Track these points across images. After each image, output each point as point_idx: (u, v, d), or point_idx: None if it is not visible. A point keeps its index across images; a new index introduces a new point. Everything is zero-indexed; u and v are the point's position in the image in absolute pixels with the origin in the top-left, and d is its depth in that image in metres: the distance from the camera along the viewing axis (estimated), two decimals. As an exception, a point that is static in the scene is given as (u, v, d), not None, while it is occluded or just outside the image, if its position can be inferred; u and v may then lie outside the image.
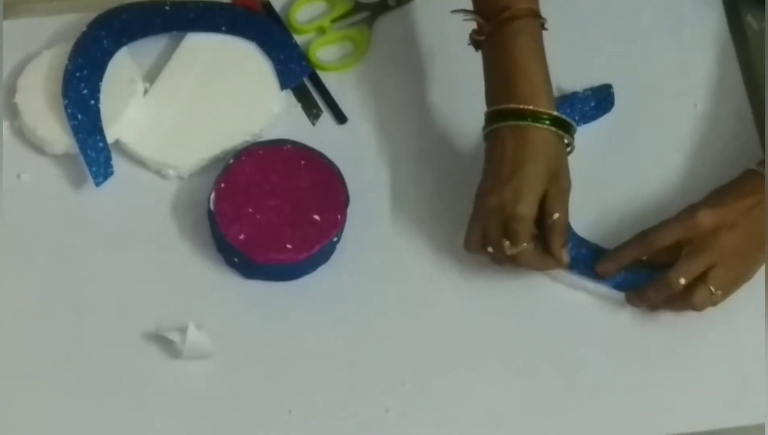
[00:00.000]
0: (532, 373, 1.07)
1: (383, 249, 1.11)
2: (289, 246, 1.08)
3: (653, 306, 1.07)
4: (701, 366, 1.08)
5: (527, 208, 1.03)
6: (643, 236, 1.07)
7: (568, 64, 1.17)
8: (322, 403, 1.05)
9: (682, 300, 1.05)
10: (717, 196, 1.06)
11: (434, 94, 1.18)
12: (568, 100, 1.15)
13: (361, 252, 1.11)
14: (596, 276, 1.08)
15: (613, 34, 1.22)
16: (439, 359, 1.07)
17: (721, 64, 1.20)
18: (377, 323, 1.08)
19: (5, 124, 1.15)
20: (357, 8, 1.23)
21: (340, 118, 1.18)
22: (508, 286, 1.10)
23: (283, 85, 1.18)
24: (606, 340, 1.08)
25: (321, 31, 1.22)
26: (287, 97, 1.18)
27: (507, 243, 1.04)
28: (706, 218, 1.04)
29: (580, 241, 1.10)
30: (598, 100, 1.16)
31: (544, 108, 1.03)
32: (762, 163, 1.07)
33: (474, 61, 1.07)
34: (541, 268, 1.07)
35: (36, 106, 1.15)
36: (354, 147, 1.16)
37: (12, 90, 1.15)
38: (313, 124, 1.18)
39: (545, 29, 1.07)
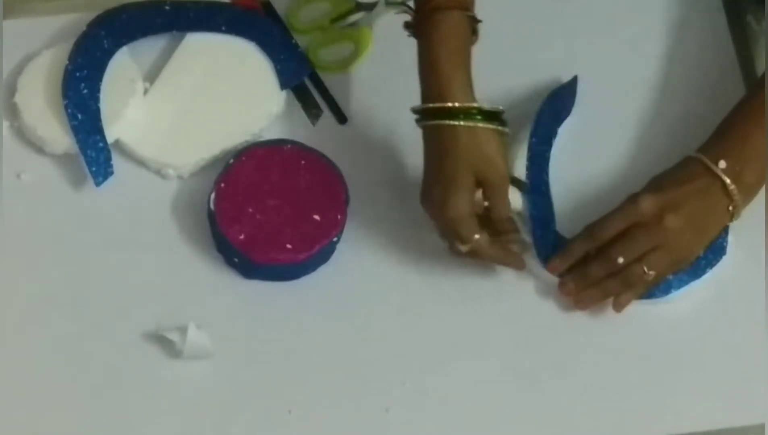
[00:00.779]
0: (531, 373, 1.07)
1: (383, 249, 1.11)
2: (289, 246, 1.08)
3: (583, 298, 1.08)
4: (701, 366, 1.08)
5: (455, 209, 1.03)
6: (588, 230, 1.07)
7: (567, 64, 1.17)
8: (322, 403, 1.05)
9: (616, 276, 1.06)
10: (657, 183, 1.07)
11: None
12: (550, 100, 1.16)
13: (361, 252, 1.11)
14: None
15: (613, 34, 1.22)
16: (439, 359, 1.07)
17: (721, 64, 1.20)
18: (377, 323, 1.08)
19: (5, 124, 1.15)
20: (357, 8, 1.23)
21: (340, 118, 1.18)
22: (508, 286, 1.10)
23: (283, 85, 1.18)
24: (606, 340, 1.08)
25: (321, 31, 1.22)
26: (287, 97, 1.18)
27: (459, 245, 1.05)
28: (649, 204, 1.05)
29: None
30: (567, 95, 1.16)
31: (471, 101, 1.03)
32: (701, 149, 1.07)
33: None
34: (508, 261, 1.08)
35: (36, 106, 1.15)
36: (354, 147, 1.16)
37: (12, 90, 1.15)
38: (313, 124, 1.18)
39: (478, 21, 1.07)
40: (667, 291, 1.08)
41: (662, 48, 1.21)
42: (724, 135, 1.07)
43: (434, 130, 1.05)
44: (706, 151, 1.07)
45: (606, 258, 1.06)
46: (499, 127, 1.05)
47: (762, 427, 1.04)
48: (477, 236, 1.04)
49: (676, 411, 1.06)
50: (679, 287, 1.08)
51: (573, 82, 1.17)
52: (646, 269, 1.05)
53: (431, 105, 1.04)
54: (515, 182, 1.09)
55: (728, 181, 1.04)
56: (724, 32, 1.22)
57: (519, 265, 1.09)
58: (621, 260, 1.05)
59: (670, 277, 1.08)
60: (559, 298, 1.09)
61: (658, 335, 1.09)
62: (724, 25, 1.23)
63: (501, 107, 1.05)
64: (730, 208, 1.06)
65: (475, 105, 1.04)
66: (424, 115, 1.06)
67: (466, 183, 1.03)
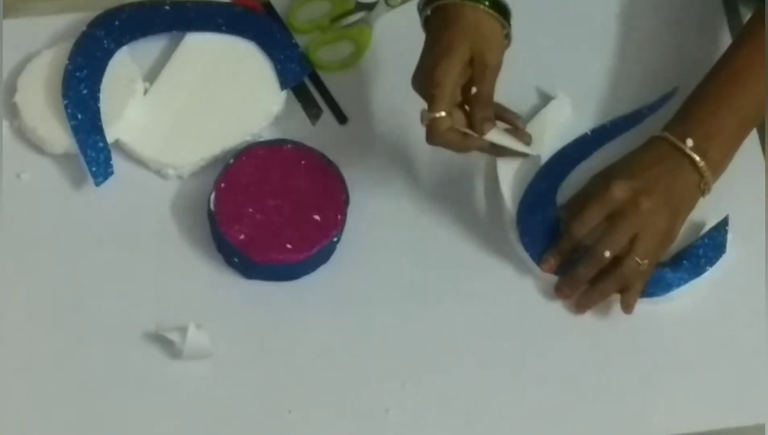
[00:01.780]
0: (531, 373, 1.07)
1: (383, 249, 1.11)
2: (289, 246, 1.08)
3: (582, 301, 1.08)
4: (701, 366, 1.08)
5: (441, 74, 1.03)
6: (568, 229, 1.07)
7: (567, 64, 1.17)
8: (322, 403, 1.05)
9: (611, 275, 1.06)
10: (626, 168, 1.07)
11: (434, 94, 1.18)
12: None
13: (361, 252, 1.11)
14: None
15: (612, 33, 1.22)
16: (439, 359, 1.07)
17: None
18: (377, 323, 1.08)
19: (5, 124, 1.15)
20: (357, 8, 1.23)
21: (340, 118, 1.18)
22: (508, 286, 1.10)
23: (283, 85, 1.18)
24: (606, 340, 1.08)
25: (321, 30, 1.22)
26: (287, 97, 1.18)
27: (423, 111, 1.04)
28: (622, 190, 1.05)
29: None
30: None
31: None
32: (667, 128, 1.08)
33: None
34: (461, 146, 1.07)
35: (36, 106, 1.15)
36: (354, 147, 1.15)
37: (12, 90, 1.15)
38: (313, 124, 1.18)
39: None
40: (667, 289, 1.08)
41: (662, 47, 1.21)
42: (689, 113, 1.08)
43: (438, 11, 1.06)
44: (673, 130, 1.07)
45: (592, 255, 1.06)
46: (504, 22, 1.06)
47: (762, 427, 1.04)
48: (443, 114, 1.03)
49: (676, 411, 1.06)
50: (679, 285, 1.08)
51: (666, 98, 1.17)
52: (638, 260, 1.05)
53: None
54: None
55: (697, 158, 1.05)
56: (724, 32, 1.22)
57: (481, 147, 1.08)
58: (608, 254, 1.05)
59: (669, 274, 1.08)
60: (560, 300, 1.09)
61: (658, 335, 1.09)
62: (724, 24, 1.23)
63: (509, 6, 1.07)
64: (701, 184, 1.06)
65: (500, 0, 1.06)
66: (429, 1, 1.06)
67: (461, 53, 1.03)
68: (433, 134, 1.04)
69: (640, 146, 1.09)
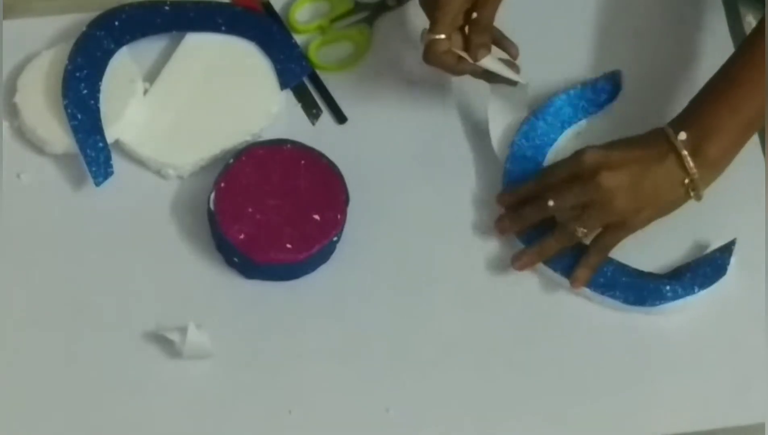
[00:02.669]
0: (531, 373, 1.07)
1: (383, 249, 1.11)
2: (289, 246, 1.08)
3: (519, 255, 1.09)
4: (701, 366, 1.08)
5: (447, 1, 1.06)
6: (539, 173, 1.10)
7: (566, 64, 1.17)
8: (322, 403, 1.05)
9: (550, 234, 1.08)
10: (612, 143, 1.08)
11: (434, 94, 1.18)
12: (588, 87, 1.16)
13: (361, 252, 1.11)
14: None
15: (612, 34, 1.22)
16: (439, 359, 1.07)
17: (721, 64, 1.20)
18: (377, 323, 1.08)
19: (5, 124, 1.15)
20: (357, 8, 1.23)
21: (340, 118, 1.18)
22: (508, 286, 1.10)
23: (283, 85, 1.18)
24: (606, 340, 1.08)
25: (321, 31, 1.22)
26: (287, 97, 1.18)
27: (424, 30, 1.08)
28: (591, 156, 1.06)
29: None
30: (611, 87, 1.17)
31: None
32: (670, 121, 1.07)
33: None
34: (455, 69, 1.09)
35: (36, 106, 1.14)
36: (354, 147, 1.15)
37: (12, 90, 1.15)
38: (313, 124, 1.18)
39: None
40: (660, 301, 1.08)
41: (662, 48, 1.21)
42: (692, 109, 1.08)
43: None
44: (673, 123, 1.07)
45: (539, 200, 1.07)
46: None
47: (762, 427, 1.04)
48: (443, 36, 1.07)
49: (676, 411, 1.06)
50: (673, 300, 1.08)
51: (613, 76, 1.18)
52: (578, 228, 1.06)
53: None
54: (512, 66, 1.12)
55: (684, 152, 1.04)
56: (724, 32, 1.22)
57: (473, 72, 1.11)
58: (551, 203, 1.06)
59: (666, 287, 1.08)
60: (559, 298, 1.10)
61: (658, 335, 1.09)
62: (724, 25, 1.23)
63: None
64: (686, 181, 1.05)
65: None
66: None
67: None
68: (430, 54, 1.08)
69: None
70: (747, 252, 1.11)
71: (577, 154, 1.07)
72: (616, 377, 1.07)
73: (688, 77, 1.19)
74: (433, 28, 1.07)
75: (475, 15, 1.09)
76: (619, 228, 1.07)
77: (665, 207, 1.07)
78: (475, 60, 1.09)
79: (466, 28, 1.10)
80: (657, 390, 1.06)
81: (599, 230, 1.07)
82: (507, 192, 1.11)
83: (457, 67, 1.10)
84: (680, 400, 1.06)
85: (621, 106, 1.18)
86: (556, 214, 1.08)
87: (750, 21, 1.23)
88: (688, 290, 1.08)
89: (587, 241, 1.08)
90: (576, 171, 1.06)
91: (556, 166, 1.09)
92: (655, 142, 1.06)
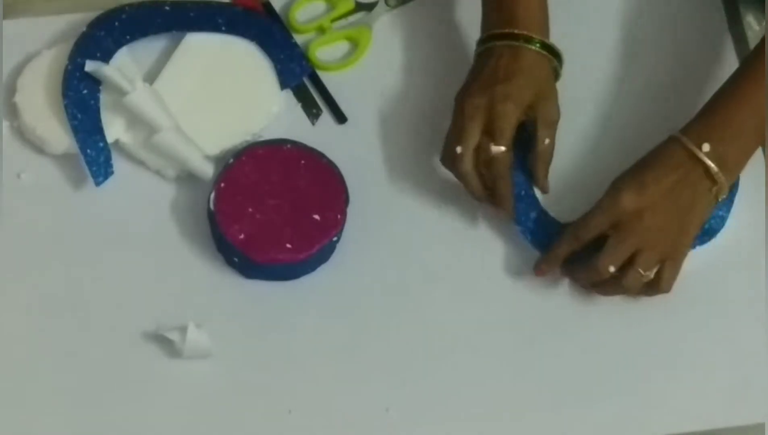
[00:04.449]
0: (531, 372, 1.07)
1: (383, 249, 1.11)
2: (289, 246, 1.08)
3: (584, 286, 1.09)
4: (701, 366, 1.08)
5: (512, 109, 1.06)
6: (572, 232, 1.07)
7: (566, 65, 1.17)
8: (322, 403, 1.05)
9: (614, 285, 1.06)
10: (639, 176, 1.06)
11: (434, 94, 1.18)
12: None
13: (361, 252, 1.11)
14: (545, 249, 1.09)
15: (612, 34, 1.22)
16: (439, 359, 1.07)
17: (721, 64, 1.20)
18: (377, 323, 1.08)
19: (5, 124, 1.15)
20: (357, 8, 1.23)
21: (340, 118, 1.18)
22: (508, 286, 1.10)
23: (283, 85, 1.18)
24: (606, 340, 1.08)
25: (321, 30, 1.22)
26: (287, 97, 1.18)
27: (491, 144, 1.06)
28: (629, 201, 1.04)
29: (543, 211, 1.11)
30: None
31: (537, 35, 1.08)
32: (684, 130, 1.06)
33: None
34: (501, 197, 1.07)
35: (36, 106, 1.14)
36: (354, 147, 1.15)
37: (12, 90, 1.15)
38: (313, 124, 1.18)
39: None
40: None
41: (662, 48, 1.21)
42: (708, 116, 1.07)
43: (511, 49, 1.08)
44: (690, 132, 1.06)
45: (594, 270, 1.05)
46: (560, 69, 1.11)
47: (762, 427, 1.04)
48: (504, 148, 1.06)
49: (676, 411, 1.06)
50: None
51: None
52: (642, 271, 1.05)
53: (517, 31, 1.08)
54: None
55: (712, 165, 1.04)
56: (724, 32, 1.22)
57: (509, 213, 1.09)
58: (612, 269, 1.05)
59: None
60: (559, 298, 1.10)
61: (658, 335, 1.09)
62: (724, 25, 1.23)
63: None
64: (714, 188, 1.05)
65: (551, 42, 1.10)
66: (500, 38, 1.09)
67: (527, 100, 1.07)
68: (493, 167, 1.07)
69: (655, 149, 1.07)
70: (747, 251, 1.11)
71: (613, 201, 1.05)
72: (616, 377, 1.07)
73: (688, 77, 1.19)
74: (499, 139, 1.06)
75: (547, 141, 1.09)
76: (675, 258, 1.06)
77: (703, 217, 1.07)
78: (545, 191, 1.11)
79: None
80: (657, 390, 1.06)
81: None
82: (543, 262, 1.08)
83: (505, 205, 1.09)
84: (680, 400, 1.06)
85: (620, 107, 1.18)
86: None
87: (750, 21, 1.23)
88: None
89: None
90: (616, 220, 1.05)
91: (591, 218, 1.06)
92: (679, 159, 1.05)
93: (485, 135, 1.07)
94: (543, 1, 1.11)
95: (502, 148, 1.06)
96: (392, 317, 1.09)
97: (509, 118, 1.06)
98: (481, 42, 1.10)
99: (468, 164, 1.07)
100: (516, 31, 1.08)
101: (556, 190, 1.12)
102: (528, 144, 1.10)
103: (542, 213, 1.11)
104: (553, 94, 1.10)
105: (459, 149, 1.06)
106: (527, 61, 1.07)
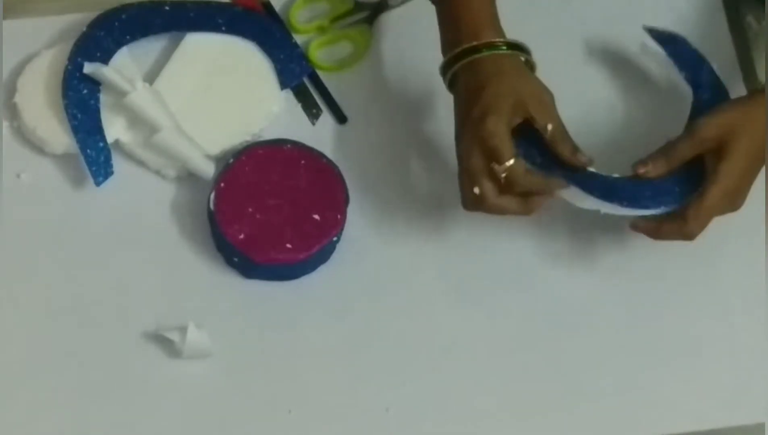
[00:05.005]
0: (531, 372, 1.07)
1: (383, 249, 1.11)
2: (289, 246, 1.08)
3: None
4: (701, 366, 1.08)
5: (494, 123, 1.00)
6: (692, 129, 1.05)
7: (566, 64, 1.17)
8: (322, 403, 1.05)
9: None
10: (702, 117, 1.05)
11: (434, 94, 1.18)
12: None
13: (361, 252, 1.11)
14: (611, 197, 1.05)
15: (612, 34, 1.22)
16: (439, 359, 1.07)
17: (721, 64, 1.20)
18: (377, 323, 1.08)
19: (5, 124, 1.15)
20: (357, 8, 1.23)
21: (340, 118, 1.18)
22: (508, 285, 1.10)
23: (283, 85, 1.18)
24: (606, 339, 1.08)
25: (321, 31, 1.22)
26: (287, 97, 1.18)
27: (495, 166, 1.01)
28: (710, 129, 1.03)
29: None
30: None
31: (487, 39, 1.03)
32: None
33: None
34: (543, 188, 1.03)
35: (36, 106, 1.14)
36: (354, 147, 1.16)
37: (12, 90, 1.15)
38: (313, 124, 1.18)
39: None
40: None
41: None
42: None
43: (469, 66, 1.04)
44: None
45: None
46: (530, 57, 1.06)
47: (762, 426, 1.04)
48: (513, 161, 1.01)
49: (676, 411, 1.06)
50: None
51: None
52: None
53: (466, 46, 1.03)
54: None
55: None
56: (724, 32, 1.22)
57: (556, 188, 1.04)
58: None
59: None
60: (559, 298, 1.10)
61: (658, 335, 1.09)
62: (724, 25, 1.23)
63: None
64: None
65: (507, 40, 1.05)
66: (457, 59, 1.04)
67: (506, 104, 1.01)
68: (515, 182, 1.02)
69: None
70: (747, 252, 1.11)
71: (692, 132, 1.03)
72: (616, 377, 1.07)
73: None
74: (500, 157, 1.00)
75: (550, 127, 1.03)
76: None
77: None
78: (585, 164, 1.04)
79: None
80: (657, 390, 1.06)
81: None
82: (658, 159, 1.04)
83: (546, 185, 1.04)
84: (680, 400, 1.06)
85: (620, 107, 1.18)
86: None
87: (750, 21, 1.23)
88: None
89: None
90: (696, 148, 1.04)
91: (674, 149, 1.04)
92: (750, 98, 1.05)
93: (488, 159, 1.02)
94: (485, 4, 1.06)
95: (508, 163, 1.01)
96: (392, 317, 1.09)
97: (497, 133, 1.00)
98: (442, 72, 1.07)
99: (492, 198, 1.02)
100: (464, 47, 1.04)
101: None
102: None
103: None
104: (533, 80, 1.04)
105: (476, 190, 1.02)
106: (488, 68, 1.03)
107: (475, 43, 1.03)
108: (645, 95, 1.19)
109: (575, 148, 1.04)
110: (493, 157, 1.01)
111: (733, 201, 1.04)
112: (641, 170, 1.04)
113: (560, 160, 1.04)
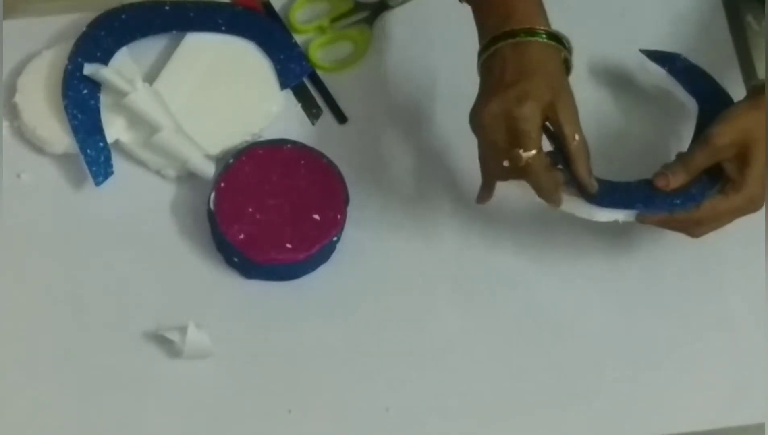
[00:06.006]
0: (531, 372, 1.07)
1: (383, 249, 1.11)
2: (289, 246, 1.08)
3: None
4: (701, 366, 1.08)
5: (533, 109, 0.97)
6: (708, 138, 1.03)
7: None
8: (322, 403, 1.05)
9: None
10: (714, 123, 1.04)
11: (434, 94, 1.18)
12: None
13: (361, 252, 1.11)
14: (616, 204, 1.04)
15: (612, 33, 1.22)
16: (439, 359, 1.07)
17: (721, 64, 1.20)
18: (377, 323, 1.08)
19: (5, 124, 1.15)
20: (357, 8, 1.23)
21: (340, 118, 1.18)
22: (508, 286, 1.10)
23: (283, 85, 1.18)
24: (605, 339, 1.08)
25: (321, 30, 1.22)
26: (287, 97, 1.18)
27: (520, 151, 0.97)
28: (723, 137, 1.02)
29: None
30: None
31: (538, 25, 1.01)
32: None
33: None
34: (553, 191, 1.01)
35: (36, 106, 1.14)
36: (354, 147, 1.16)
37: (12, 90, 1.15)
38: (313, 124, 1.18)
39: None
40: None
41: (662, 48, 1.21)
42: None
43: (517, 47, 1.00)
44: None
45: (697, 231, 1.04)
46: (570, 59, 1.03)
47: (762, 426, 1.04)
48: (536, 151, 0.98)
49: (676, 411, 1.06)
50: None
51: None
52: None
53: (518, 27, 1.00)
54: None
55: None
56: (724, 32, 1.22)
57: (558, 205, 1.02)
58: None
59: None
60: (559, 298, 1.10)
61: (658, 335, 1.09)
62: (724, 25, 1.23)
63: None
64: None
65: (556, 31, 1.02)
66: (503, 38, 1.01)
67: (545, 98, 0.98)
68: (531, 173, 0.99)
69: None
70: (747, 251, 1.11)
71: (709, 142, 1.02)
72: (616, 377, 1.07)
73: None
74: (527, 144, 0.97)
75: (577, 137, 1.00)
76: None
77: None
78: (592, 190, 1.02)
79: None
80: (657, 390, 1.06)
81: None
82: (678, 170, 1.03)
83: (558, 191, 1.01)
84: (680, 400, 1.06)
85: (620, 107, 1.18)
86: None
87: (750, 21, 1.23)
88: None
89: None
90: (714, 157, 1.02)
91: (692, 159, 1.03)
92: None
93: (513, 141, 0.98)
94: None
95: (533, 153, 0.98)
96: (392, 317, 1.09)
97: (533, 118, 0.97)
98: (482, 52, 1.02)
99: (537, 165, 0.99)
100: (515, 27, 1.00)
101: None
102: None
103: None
104: (569, 87, 1.01)
105: (506, 162, 0.99)
106: (535, 56, 0.99)
107: (528, 26, 1.00)
108: (646, 108, 1.19)
109: (590, 171, 1.02)
110: (519, 141, 0.98)
111: (758, 204, 1.03)
112: (661, 183, 1.03)
113: (575, 175, 1.02)
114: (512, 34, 1.00)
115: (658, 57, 1.18)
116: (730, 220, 1.04)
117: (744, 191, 1.02)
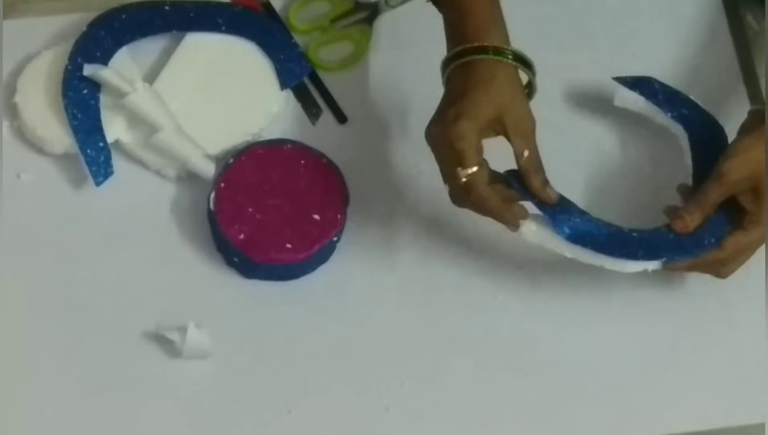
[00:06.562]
0: (531, 372, 1.07)
1: (383, 249, 1.11)
2: (289, 246, 1.08)
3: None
4: (701, 366, 1.08)
5: (467, 128, 0.98)
6: (720, 174, 1.03)
7: (565, 66, 1.17)
8: (322, 403, 1.05)
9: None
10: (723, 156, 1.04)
11: (434, 94, 1.18)
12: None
13: (361, 252, 1.11)
14: (606, 250, 1.04)
15: (612, 33, 1.22)
16: (439, 359, 1.07)
17: (721, 64, 1.20)
18: (377, 323, 1.08)
19: (5, 124, 1.15)
20: (357, 8, 1.23)
21: (340, 118, 1.18)
22: (508, 285, 1.10)
23: (283, 85, 1.18)
24: (605, 339, 1.08)
25: (321, 31, 1.22)
26: (287, 97, 1.18)
27: (459, 169, 0.99)
28: (737, 174, 1.02)
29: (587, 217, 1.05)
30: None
31: (493, 43, 1.00)
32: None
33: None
34: (501, 208, 1.01)
35: (36, 106, 1.14)
36: (354, 147, 1.16)
37: (12, 90, 1.15)
38: (313, 124, 1.18)
39: None
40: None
41: (662, 48, 1.21)
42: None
43: (463, 67, 1.01)
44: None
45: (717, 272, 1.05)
46: (533, 78, 1.03)
47: (762, 426, 1.04)
48: (476, 168, 0.99)
49: (676, 411, 1.06)
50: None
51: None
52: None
53: (466, 46, 1.01)
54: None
55: None
56: (724, 32, 1.22)
57: (512, 222, 1.02)
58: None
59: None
60: (559, 298, 1.10)
61: (658, 335, 1.09)
62: (724, 25, 1.23)
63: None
64: None
65: (514, 49, 1.01)
66: (454, 58, 1.02)
67: (485, 114, 0.99)
68: (472, 191, 1.00)
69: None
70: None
71: (722, 178, 1.02)
72: (616, 377, 1.07)
73: (688, 77, 1.19)
74: (465, 161, 0.98)
75: (526, 153, 1.00)
76: None
77: None
78: (549, 200, 1.02)
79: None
80: (657, 390, 1.06)
81: None
82: (692, 210, 1.03)
83: (504, 207, 1.01)
84: (680, 400, 1.06)
85: (618, 108, 1.18)
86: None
87: (750, 21, 1.23)
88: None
89: None
90: (728, 192, 1.03)
91: (706, 198, 1.03)
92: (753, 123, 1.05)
93: (454, 161, 0.99)
94: (494, 4, 1.03)
95: (471, 170, 0.99)
96: (392, 317, 1.09)
97: (468, 137, 0.98)
98: (441, 69, 1.04)
99: (477, 182, 0.99)
100: (466, 46, 1.01)
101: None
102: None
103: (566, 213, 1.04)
104: (521, 101, 1.01)
105: (446, 187, 1.01)
106: (480, 73, 1.00)
107: (477, 44, 1.01)
108: (638, 136, 1.18)
109: (546, 181, 1.02)
110: (458, 160, 0.99)
111: None
112: (679, 226, 1.03)
113: (530, 190, 1.02)
114: (460, 54, 1.02)
115: (630, 83, 1.14)
116: (753, 253, 1.04)
117: (764, 223, 1.02)
